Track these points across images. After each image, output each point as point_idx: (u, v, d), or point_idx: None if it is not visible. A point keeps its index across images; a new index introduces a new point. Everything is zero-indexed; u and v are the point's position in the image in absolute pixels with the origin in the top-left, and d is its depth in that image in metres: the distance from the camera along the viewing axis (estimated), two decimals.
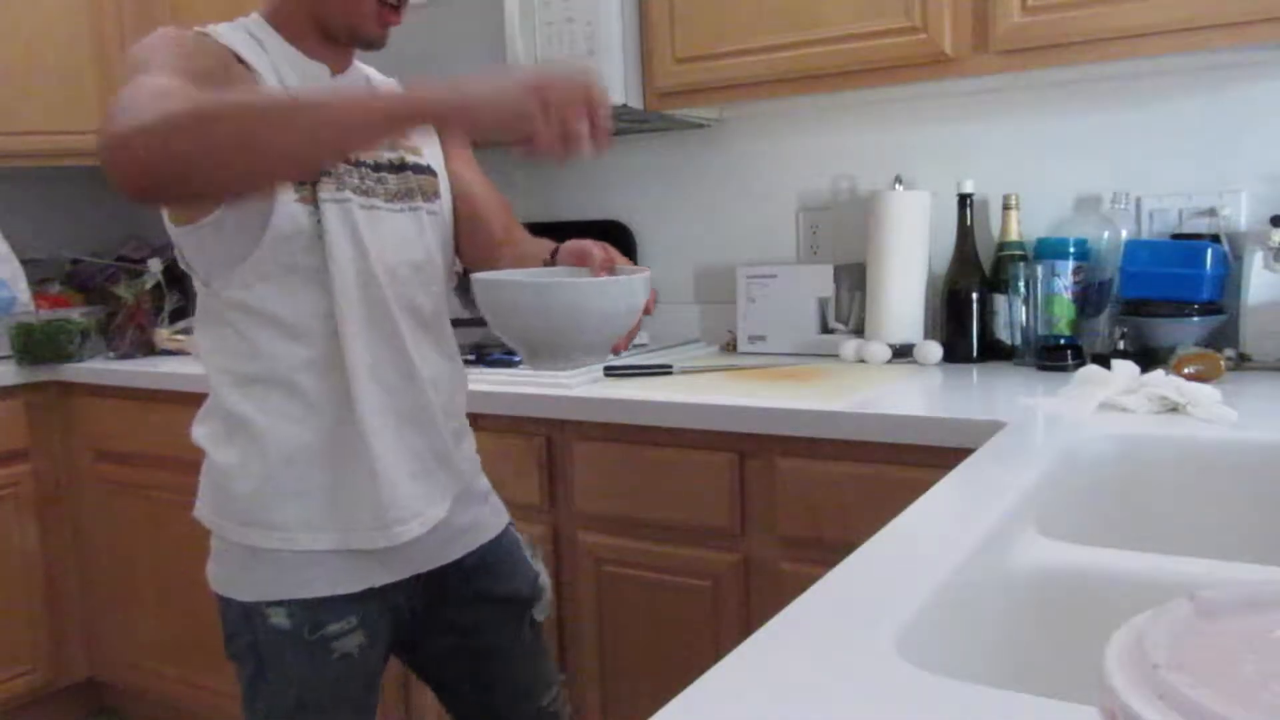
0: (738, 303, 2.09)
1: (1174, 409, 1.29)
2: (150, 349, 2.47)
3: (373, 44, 1.16)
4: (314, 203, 1.09)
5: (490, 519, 1.31)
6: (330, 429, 1.12)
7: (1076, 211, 1.88)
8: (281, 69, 1.13)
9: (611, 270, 1.03)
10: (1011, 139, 1.94)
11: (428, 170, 1.24)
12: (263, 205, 1.07)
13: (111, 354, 2.47)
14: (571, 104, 0.86)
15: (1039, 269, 1.77)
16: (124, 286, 2.55)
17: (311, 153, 0.91)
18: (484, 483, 1.33)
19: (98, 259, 3.03)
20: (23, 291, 2.48)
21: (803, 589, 0.72)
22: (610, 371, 1.82)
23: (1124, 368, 1.39)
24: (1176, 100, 1.80)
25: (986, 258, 1.89)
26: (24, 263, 2.51)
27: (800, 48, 1.78)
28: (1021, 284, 1.80)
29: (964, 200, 1.89)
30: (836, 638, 0.63)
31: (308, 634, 1.12)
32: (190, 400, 2.21)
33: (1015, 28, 1.61)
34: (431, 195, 1.23)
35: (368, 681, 1.18)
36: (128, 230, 3.22)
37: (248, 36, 1.13)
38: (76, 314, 2.59)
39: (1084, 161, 1.88)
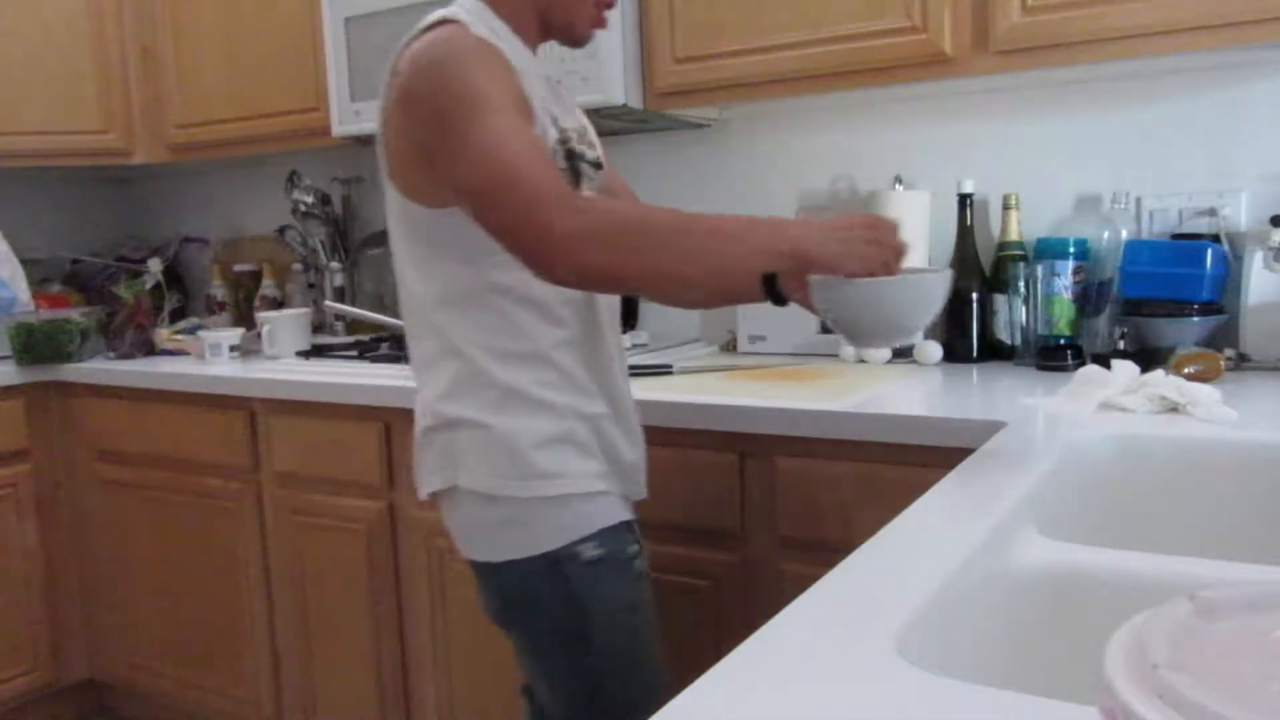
0: None
1: (1174, 409, 1.29)
2: (150, 349, 2.47)
3: (579, 43, 1.25)
4: None
5: None
6: (592, 397, 1.22)
7: (1076, 211, 1.88)
8: (522, 62, 1.17)
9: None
10: (1011, 139, 1.94)
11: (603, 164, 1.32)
12: None
13: (111, 354, 2.47)
14: (893, 253, 1.05)
15: (1039, 269, 1.77)
16: (124, 286, 2.55)
17: (704, 285, 1.06)
18: None
19: (98, 259, 3.04)
20: (23, 291, 2.48)
21: (803, 589, 0.72)
22: None
23: (1123, 368, 1.39)
24: (1176, 100, 1.80)
25: (986, 258, 1.89)
26: (24, 263, 2.51)
27: (800, 47, 1.78)
28: (1021, 284, 1.80)
29: (964, 200, 1.89)
30: (836, 638, 0.63)
31: (621, 556, 1.21)
32: (190, 400, 2.23)
33: (1015, 28, 1.61)
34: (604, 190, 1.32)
35: (654, 604, 1.27)
36: (128, 230, 3.22)
37: (489, 31, 1.16)
38: (76, 314, 2.59)
39: (1084, 161, 1.88)
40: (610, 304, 1.28)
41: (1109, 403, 1.33)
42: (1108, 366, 1.40)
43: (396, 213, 1.21)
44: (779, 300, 1.05)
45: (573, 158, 1.19)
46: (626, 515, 1.25)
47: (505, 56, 1.13)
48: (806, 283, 1.04)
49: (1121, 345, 1.69)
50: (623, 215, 1.07)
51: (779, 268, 1.02)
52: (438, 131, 1.09)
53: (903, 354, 1.88)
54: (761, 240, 1.03)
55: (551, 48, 1.30)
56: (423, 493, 1.25)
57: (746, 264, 1.03)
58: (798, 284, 1.05)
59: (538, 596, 1.20)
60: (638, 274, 1.05)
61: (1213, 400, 1.26)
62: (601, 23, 1.24)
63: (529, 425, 1.17)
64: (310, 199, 2.66)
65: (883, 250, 1.03)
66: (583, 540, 1.19)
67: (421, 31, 1.15)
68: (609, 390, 1.25)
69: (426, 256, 1.19)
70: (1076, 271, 1.77)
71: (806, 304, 1.07)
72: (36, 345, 2.39)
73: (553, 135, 1.17)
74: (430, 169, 1.12)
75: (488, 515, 1.19)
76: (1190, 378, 1.39)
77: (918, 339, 1.17)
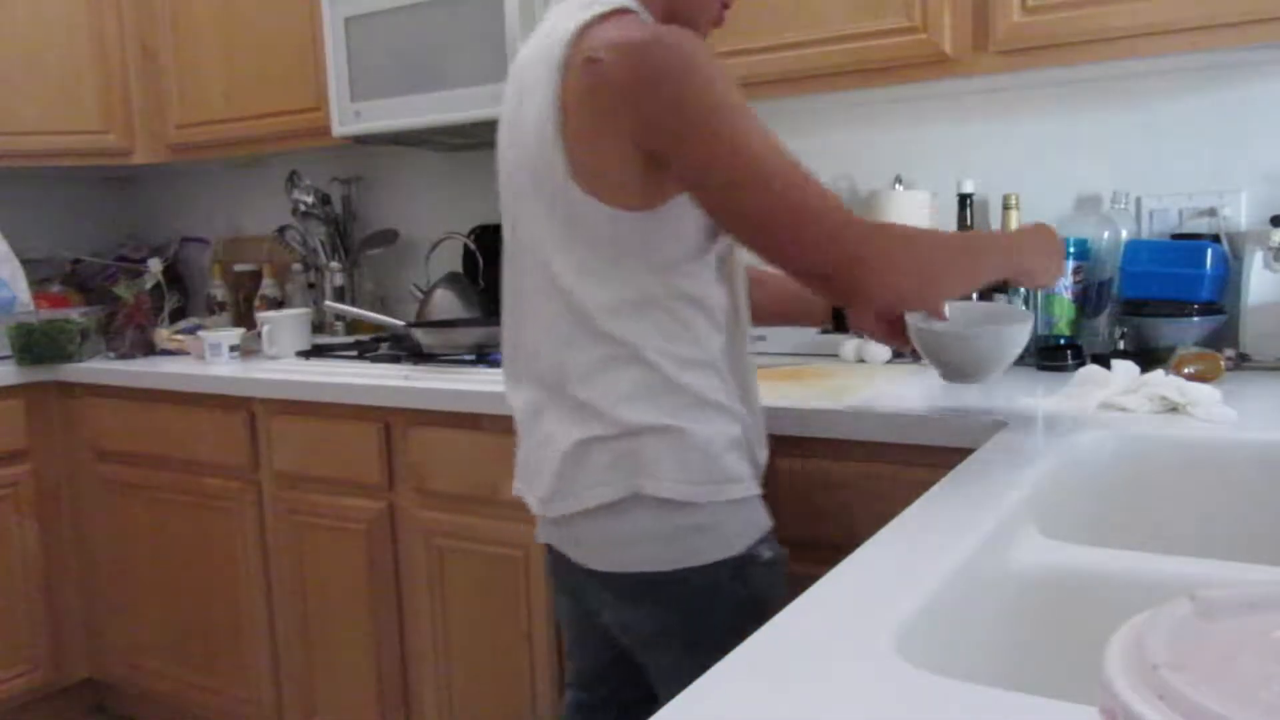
0: None
1: (1174, 409, 1.29)
2: (150, 349, 2.47)
3: (701, 32, 1.21)
4: None
5: None
6: (742, 400, 1.21)
7: (1076, 211, 1.88)
8: None
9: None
10: (1011, 139, 1.94)
11: None
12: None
13: (111, 354, 2.47)
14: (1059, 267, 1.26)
15: None
16: (124, 286, 2.55)
17: (965, 291, 1.20)
18: None
19: (98, 259, 3.04)
20: (23, 291, 2.48)
21: (803, 589, 0.72)
22: None
23: (1123, 368, 1.39)
24: (1176, 100, 1.80)
25: None
26: (24, 263, 2.51)
27: (800, 47, 1.78)
28: None
29: (964, 200, 1.89)
30: (836, 638, 0.63)
31: (782, 557, 1.22)
32: (190, 400, 2.23)
33: (1015, 28, 1.61)
34: None
35: None
36: (128, 230, 3.22)
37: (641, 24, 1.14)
38: (76, 314, 2.59)
39: (1084, 161, 1.88)
40: (747, 309, 1.27)
41: (1109, 403, 1.33)
42: (1107, 366, 1.40)
43: (562, 215, 1.12)
44: (843, 329, 1.23)
45: None
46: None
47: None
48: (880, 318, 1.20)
49: (1121, 345, 1.69)
50: (917, 238, 1.12)
51: (1004, 275, 1.21)
52: (691, 135, 1.03)
53: (903, 354, 1.88)
54: (1012, 259, 1.19)
55: None
56: (576, 506, 1.18)
57: (997, 272, 1.19)
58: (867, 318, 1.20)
59: (720, 601, 1.16)
60: (938, 295, 1.15)
61: (1213, 400, 1.26)
62: (721, 21, 1.21)
63: (718, 430, 1.16)
64: (310, 199, 2.66)
65: (1060, 264, 1.24)
66: (759, 542, 1.19)
67: (598, 18, 1.08)
68: (753, 394, 1.25)
69: (604, 261, 1.12)
70: (1076, 271, 1.77)
71: (877, 336, 1.24)
72: (36, 345, 2.39)
73: None
74: (655, 171, 1.07)
75: (675, 521, 1.15)
76: (1190, 378, 1.38)
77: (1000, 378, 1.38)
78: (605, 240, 1.11)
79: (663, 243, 1.11)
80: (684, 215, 1.10)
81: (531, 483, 1.25)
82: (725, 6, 1.21)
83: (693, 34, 1.09)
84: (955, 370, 1.29)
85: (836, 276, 1.02)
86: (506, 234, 1.25)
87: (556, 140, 1.09)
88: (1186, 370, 1.46)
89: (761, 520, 1.20)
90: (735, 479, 1.17)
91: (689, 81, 1.04)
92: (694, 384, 1.15)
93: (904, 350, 1.37)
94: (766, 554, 1.19)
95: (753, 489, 1.20)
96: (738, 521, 1.17)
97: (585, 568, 1.21)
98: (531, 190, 1.15)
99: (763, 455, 1.25)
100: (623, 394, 1.14)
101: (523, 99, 1.15)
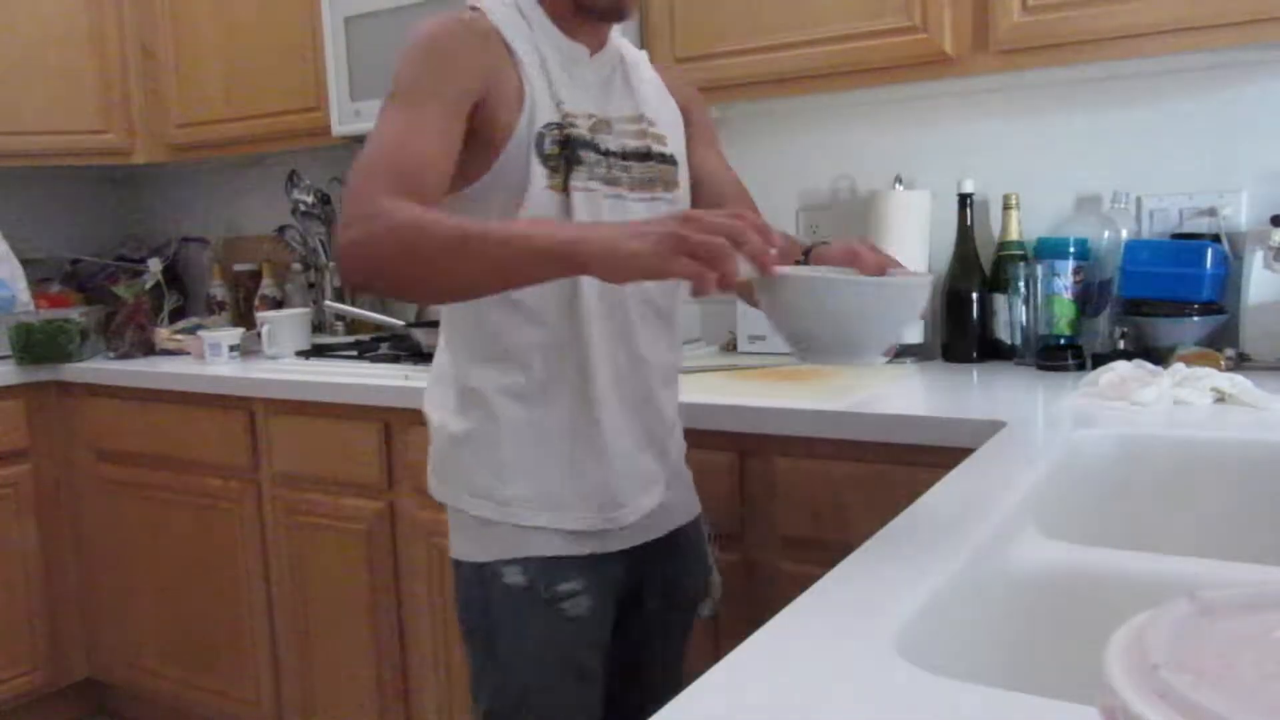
0: (738, 302, 2.09)
1: (1221, 399, 1.34)
2: (150, 349, 2.47)
3: (607, 16, 1.17)
4: (565, 191, 1.13)
5: (691, 502, 1.35)
6: (560, 411, 1.17)
7: (1076, 211, 1.88)
8: (543, 49, 1.15)
9: (884, 273, 0.97)
10: (1011, 139, 1.94)
11: (670, 159, 1.25)
12: (518, 190, 1.11)
13: (111, 354, 2.47)
14: (715, 242, 0.82)
15: (1039, 269, 1.77)
16: (124, 286, 2.55)
17: (482, 287, 1.03)
18: (687, 470, 1.36)
19: (98, 259, 3.04)
20: (22, 291, 2.48)
21: (803, 589, 0.72)
22: None
23: (1140, 365, 1.42)
24: (1176, 100, 1.80)
25: (986, 258, 1.89)
26: (24, 263, 2.51)
27: (800, 47, 1.78)
28: (1021, 284, 1.80)
29: (964, 200, 1.89)
30: (836, 638, 0.63)
31: (543, 591, 1.16)
32: (190, 400, 2.23)
33: (1015, 28, 1.61)
34: (671, 185, 1.25)
35: (595, 650, 1.22)
36: (128, 230, 3.22)
37: (517, 15, 1.15)
38: (76, 314, 2.59)
39: (1084, 161, 1.88)
40: (620, 302, 1.19)
41: (1165, 395, 1.35)
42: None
43: None
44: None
45: (568, 144, 1.14)
46: (574, 550, 1.23)
47: (489, 41, 1.12)
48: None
49: (1121, 345, 1.69)
50: (402, 223, 0.98)
51: (548, 273, 0.96)
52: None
53: (902, 353, 1.88)
54: (537, 243, 0.93)
55: None
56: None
57: (518, 267, 0.95)
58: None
59: (469, 605, 1.24)
60: (407, 284, 1.05)
61: (1260, 392, 1.32)
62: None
63: (480, 437, 1.21)
64: (310, 199, 2.66)
65: (703, 247, 0.82)
66: (508, 562, 1.23)
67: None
68: (598, 401, 1.19)
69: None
70: (1076, 271, 1.77)
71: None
72: (36, 345, 2.39)
73: (544, 119, 1.13)
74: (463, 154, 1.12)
75: (451, 516, 1.25)
76: None
77: (879, 360, 0.98)
78: None
79: None
80: (489, 198, 1.12)
81: None
82: None
83: (443, 22, 1.12)
84: (801, 339, 0.91)
85: (339, 250, 1.02)
86: None
87: None
88: None
89: (515, 543, 1.18)
90: (488, 497, 1.18)
91: (398, 62, 1.10)
92: (478, 381, 1.18)
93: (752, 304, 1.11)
94: (514, 579, 1.17)
95: (510, 516, 1.17)
96: (493, 534, 1.18)
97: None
98: None
99: (593, 468, 1.19)
100: (431, 384, 1.25)
101: None
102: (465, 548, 1.21)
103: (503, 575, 1.17)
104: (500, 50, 1.13)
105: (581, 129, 1.16)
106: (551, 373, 1.17)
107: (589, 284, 1.15)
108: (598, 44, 1.20)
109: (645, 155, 1.22)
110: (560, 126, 1.14)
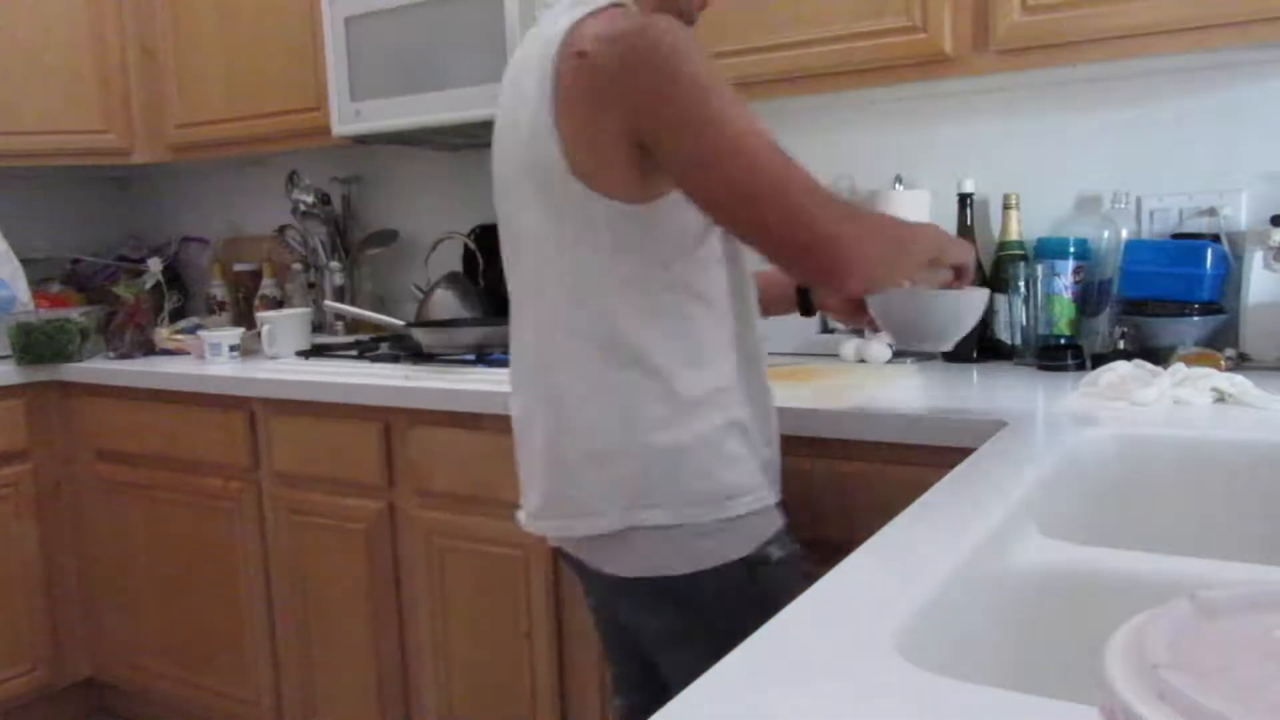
0: None
1: (1221, 399, 1.34)
2: (150, 349, 2.47)
3: (691, 20, 1.22)
4: None
5: None
6: (750, 406, 1.20)
7: (1076, 211, 1.88)
8: None
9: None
10: (1011, 139, 1.94)
11: None
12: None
13: (111, 354, 2.47)
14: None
15: (1039, 269, 1.77)
16: (124, 286, 2.55)
17: (903, 273, 1.20)
18: None
19: (98, 259, 3.04)
20: (23, 291, 2.48)
21: (802, 589, 0.72)
22: None
23: (1141, 366, 1.41)
24: (1176, 100, 1.80)
25: (986, 257, 1.89)
26: (24, 262, 2.51)
27: (800, 47, 1.78)
28: (1021, 284, 1.80)
29: (964, 200, 1.89)
30: (836, 638, 0.63)
31: (799, 554, 1.22)
32: (190, 400, 2.23)
33: (1015, 27, 1.61)
34: None
35: None
36: (128, 230, 3.22)
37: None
38: (76, 314, 2.59)
39: (1084, 161, 1.88)
40: (755, 300, 1.28)
41: (1165, 395, 1.35)
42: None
43: (562, 214, 1.11)
44: (808, 312, 1.29)
45: None
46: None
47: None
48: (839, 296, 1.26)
49: (1121, 345, 1.69)
50: (882, 221, 1.19)
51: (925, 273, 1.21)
52: (675, 116, 1.03)
53: (903, 354, 1.88)
54: (931, 246, 1.19)
55: None
56: (566, 532, 1.20)
57: (918, 262, 1.18)
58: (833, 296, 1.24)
59: (732, 601, 1.17)
60: (899, 275, 1.19)
61: (1258, 391, 1.32)
62: (707, 3, 1.23)
63: (721, 440, 1.17)
64: (310, 199, 2.66)
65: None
66: (768, 543, 1.20)
67: (588, 15, 1.09)
68: (759, 386, 1.26)
69: (604, 257, 1.11)
70: (1076, 271, 1.77)
71: (839, 314, 1.28)
72: (36, 345, 2.39)
73: None
74: (650, 163, 1.07)
75: (678, 538, 1.17)
76: None
77: (947, 346, 1.36)
78: (605, 237, 1.10)
79: (662, 236, 1.10)
80: (684, 208, 1.10)
81: (526, 494, 1.24)
82: None
83: (677, 22, 1.09)
84: (911, 332, 1.32)
85: (812, 253, 1.03)
86: (503, 236, 1.25)
87: (553, 137, 1.08)
88: None
89: (767, 525, 1.19)
90: (736, 494, 1.15)
91: (671, 66, 1.04)
92: (696, 390, 1.13)
93: (861, 326, 1.49)
94: (777, 554, 1.18)
95: (757, 502, 1.17)
96: (743, 529, 1.16)
97: (597, 570, 1.20)
98: (531, 191, 1.14)
99: (768, 452, 1.23)
100: (620, 407, 1.12)
101: (518, 101, 1.15)
102: (711, 551, 1.14)
103: (769, 557, 1.17)
104: None
105: None
106: (740, 369, 1.19)
107: (750, 279, 1.23)
108: None
109: None
110: None
